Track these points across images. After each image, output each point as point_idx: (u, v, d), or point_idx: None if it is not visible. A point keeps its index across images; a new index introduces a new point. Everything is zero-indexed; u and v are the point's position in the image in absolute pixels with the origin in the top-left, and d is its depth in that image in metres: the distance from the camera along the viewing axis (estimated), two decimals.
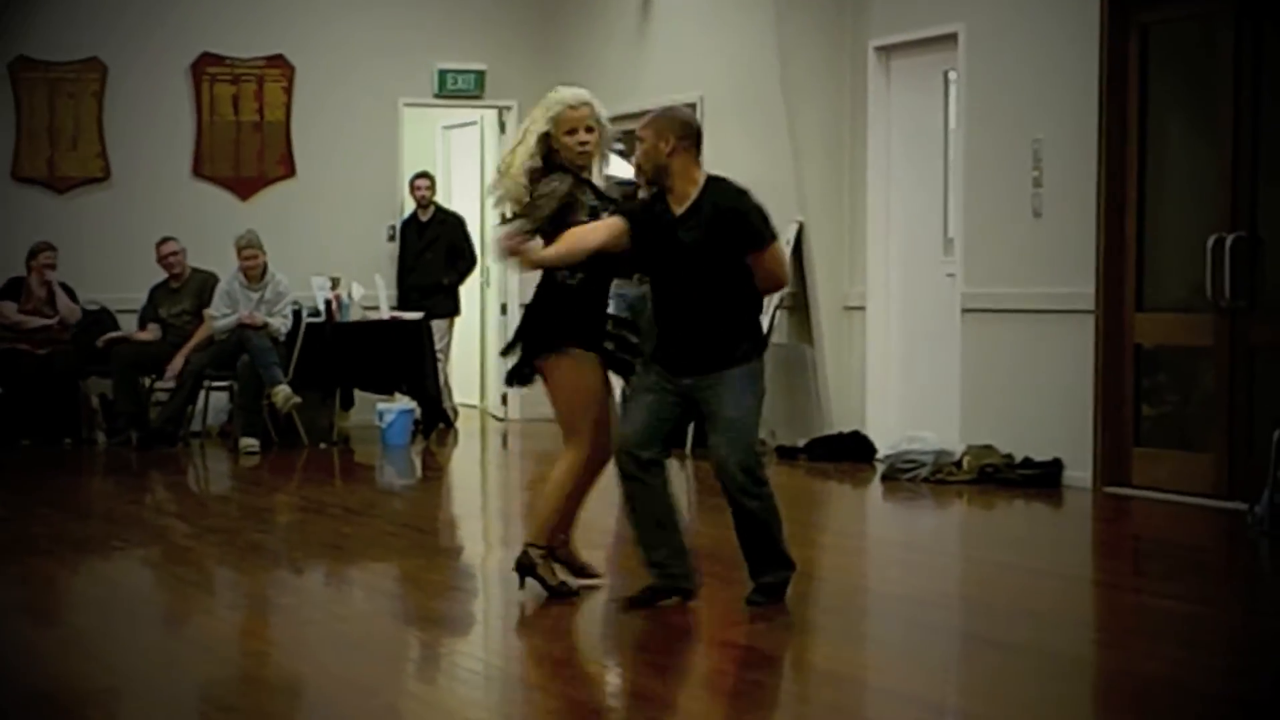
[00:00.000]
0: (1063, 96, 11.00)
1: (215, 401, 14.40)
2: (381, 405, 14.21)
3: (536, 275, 7.60)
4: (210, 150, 15.24)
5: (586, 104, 7.50)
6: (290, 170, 15.45)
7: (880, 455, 12.10)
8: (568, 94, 7.51)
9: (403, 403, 14.35)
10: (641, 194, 7.69)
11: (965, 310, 11.77)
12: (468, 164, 17.11)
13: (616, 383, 7.70)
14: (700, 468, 11.92)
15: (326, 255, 14.95)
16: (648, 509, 7.20)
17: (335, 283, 14.43)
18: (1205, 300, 10.19)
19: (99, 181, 14.95)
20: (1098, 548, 9.60)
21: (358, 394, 14.70)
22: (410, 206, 15.58)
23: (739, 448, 7.11)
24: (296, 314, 14.03)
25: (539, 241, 7.37)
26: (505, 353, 7.67)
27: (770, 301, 12.89)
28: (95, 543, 9.54)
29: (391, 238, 15.60)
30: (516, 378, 7.59)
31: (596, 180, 7.59)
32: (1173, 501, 10.25)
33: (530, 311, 7.57)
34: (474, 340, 16.59)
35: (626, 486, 7.22)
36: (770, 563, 7.31)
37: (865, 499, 11.35)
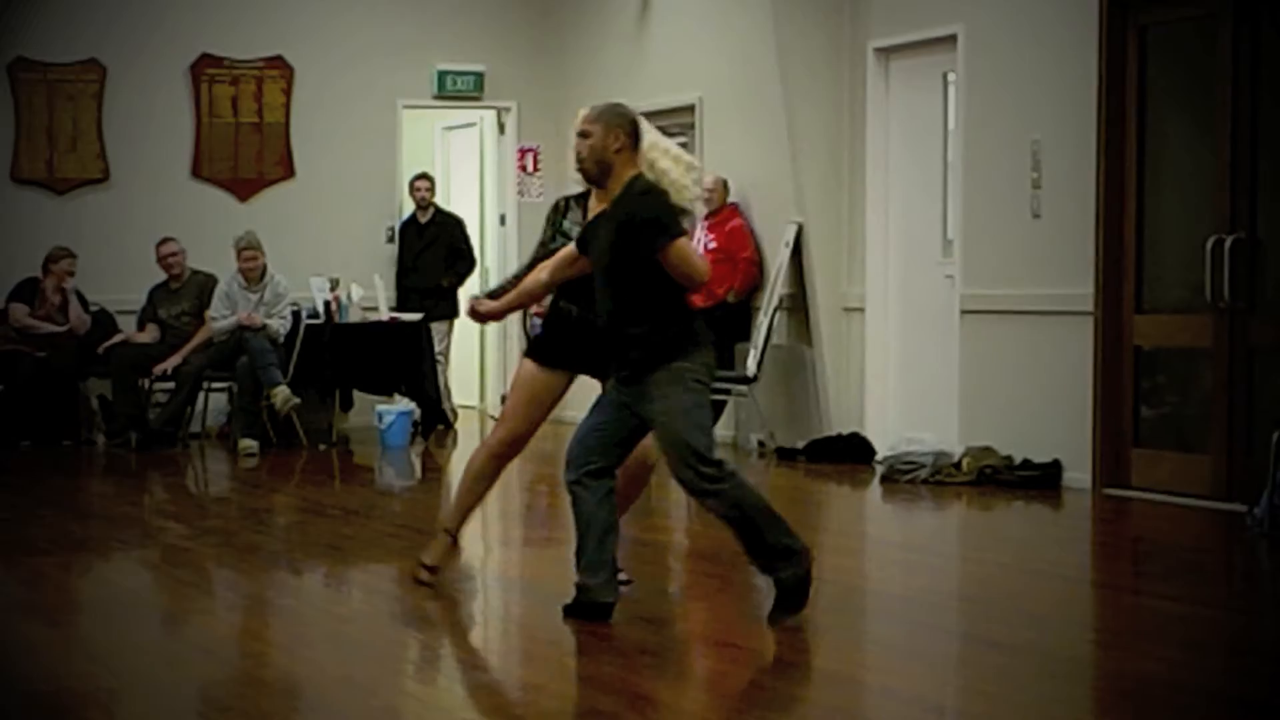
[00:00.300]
0: (1062, 98, 11.00)
1: (214, 403, 14.40)
2: (381, 406, 14.22)
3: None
4: (209, 151, 15.24)
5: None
6: (289, 171, 15.45)
7: (879, 457, 12.10)
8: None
9: (402, 404, 14.35)
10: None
11: (964, 311, 11.78)
12: (467, 165, 17.12)
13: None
14: None
15: (325, 256, 14.95)
16: (580, 518, 7.03)
17: (334, 284, 14.43)
18: (1204, 301, 10.20)
19: (98, 183, 14.95)
20: (1097, 549, 9.60)
21: (357, 395, 14.71)
22: (410, 208, 15.58)
23: (674, 457, 6.88)
24: (295, 315, 14.03)
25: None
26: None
27: (769, 302, 12.92)
28: (94, 543, 9.54)
29: (391, 239, 15.60)
30: None
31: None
32: (1172, 503, 10.25)
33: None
34: (473, 342, 16.59)
35: (569, 495, 7.10)
36: (767, 556, 6.94)
37: (864, 500, 11.35)
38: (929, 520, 10.46)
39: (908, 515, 10.64)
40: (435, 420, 14.83)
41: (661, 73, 14.49)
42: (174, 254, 14.23)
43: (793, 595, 6.94)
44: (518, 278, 7.74)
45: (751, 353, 12.99)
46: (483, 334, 16.61)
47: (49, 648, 6.90)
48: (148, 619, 7.70)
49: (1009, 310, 11.40)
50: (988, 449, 11.28)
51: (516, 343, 15.59)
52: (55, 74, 14.79)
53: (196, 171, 15.23)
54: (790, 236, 12.93)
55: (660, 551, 9.25)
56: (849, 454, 12.44)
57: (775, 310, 12.99)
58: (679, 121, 14.45)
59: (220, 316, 13.83)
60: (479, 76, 15.91)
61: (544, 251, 7.64)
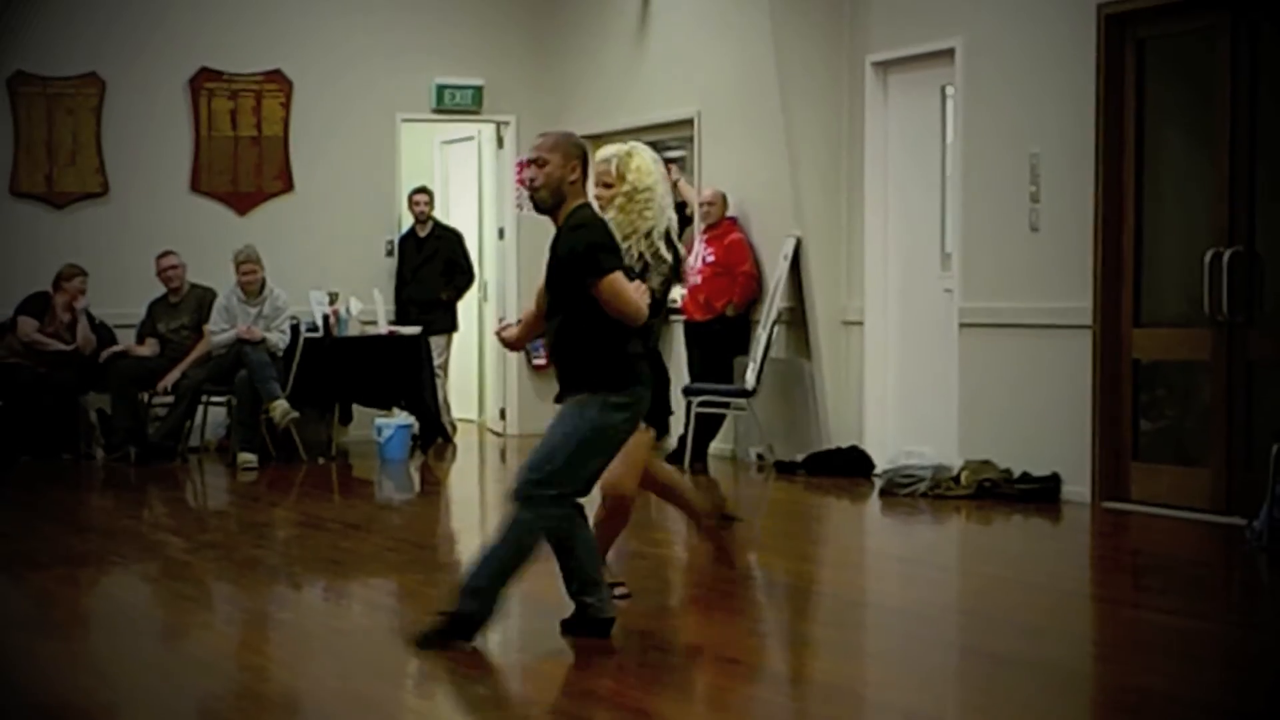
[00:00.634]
0: (1060, 111, 11.02)
1: (213, 416, 14.39)
2: (380, 420, 14.21)
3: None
4: (208, 165, 15.25)
5: (603, 160, 7.66)
6: (288, 185, 15.46)
7: (878, 470, 12.11)
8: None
9: (401, 417, 14.35)
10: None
11: (963, 325, 11.78)
12: (465, 179, 17.13)
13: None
14: (697, 482, 11.94)
15: (324, 270, 14.95)
16: (558, 541, 7.10)
17: (333, 298, 14.43)
18: (1203, 315, 10.20)
19: (97, 196, 14.95)
20: (1096, 562, 9.60)
21: (356, 409, 14.71)
22: (408, 221, 15.59)
23: (520, 471, 6.99)
24: (294, 329, 14.03)
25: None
26: None
27: (768, 316, 12.92)
28: (93, 558, 9.54)
29: (390, 253, 15.60)
30: None
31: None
32: (1171, 516, 10.25)
33: None
34: (472, 355, 16.60)
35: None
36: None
37: (863, 514, 11.35)
38: (928, 533, 10.45)
39: (907, 528, 10.64)
40: (434, 434, 14.83)
41: (660, 87, 14.50)
42: (173, 267, 14.24)
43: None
44: None
45: (750, 366, 12.99)
46: (481, 348, 16.62)
47: (48, 661, 6.90)
48: (147, 633, 7.70)
49: (1008, 323, 11.40)
50: (987, 462, 11.28)
51: (516, 358, 15.61)
52: (55, 87, 14.80)
53: (195, 185, 15.23)
54: (789, 250, 12.94)
55: (660, 565, 9.25)
56: (848, 467, 12.44)
57: (774, 324, 12.99)
58: (678, 135, 14.48)
59: (219, 330, 13.83)
60: (478, 90, 15.92)
61: None
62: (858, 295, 12.83)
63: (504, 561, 6.95)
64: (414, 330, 14.70)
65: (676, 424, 12.04)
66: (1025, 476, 11.09)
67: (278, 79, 15.38)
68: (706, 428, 13.25)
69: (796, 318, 13.13)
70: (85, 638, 7.56)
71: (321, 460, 13.82)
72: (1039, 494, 10.92)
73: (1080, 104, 10.82)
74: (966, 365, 11.75)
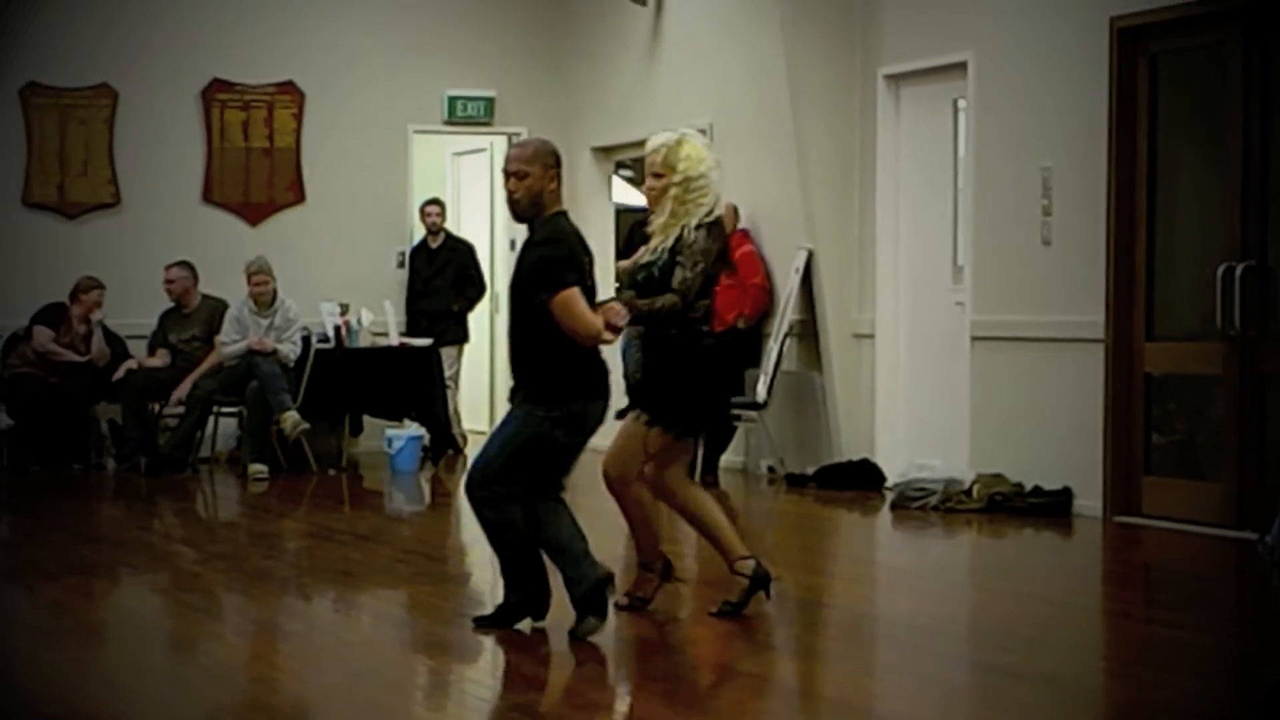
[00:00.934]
0: (1072, 125, 11.00)
1: (224, 427, 14.39)
2: (390, 431, 14.21)
3: None
4: (220, 176, 15.26)
5: (653, 150, 7.61)
6: (300, 196, 15.47)
7: (889, 483, 12.09)
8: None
9: (411, 429, 14.35)
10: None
11: (975, 338, 11.77)
12: (477, 191, 17.13)
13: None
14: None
15: (336, 281, 14.96)
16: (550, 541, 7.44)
17: (344, 309, 14.44)
18: (1215, 329, 10.18)
19: (109, 207, 14.97)
20: (1107, 576, 9.59)
21: (366, 420, 14.71)
22: (420, 233, 15.59)
23: (472, 470, 7.34)
24: (306, 340, 14.04)
25: None
26: None
27: (780, 329, 12.92)
28: (104, 568, 9.54)
29: (401, 264, 15.62)
30: None
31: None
32: (1182, 530, 10.23)
33: None
34: (483, 367, 16.60)
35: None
36: (512, 579, 7.36)
37: (874, 527, 11.34)
38: (939, 547, 10.44)
39: (918, 542, 10.62)
40: (445, 445, 14.82)
41: (672, 98, 14.49)
42: (171, 280, 14.22)
43: (516, 613, 7.34)
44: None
45: (762, 379, 12.98)
46: (493, 359, 16.61)
47: (59, 671, 6.90)
48: (157, 643, 7.71)
49: (1020, 337, 11.38)
50: (998, 476, 11.26)
51: None
52: (67, 98, 14.82)
53: (207, 196, 15.25)
54: (800, 263, 12.93)
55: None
56: (859, 480, 12.42)
57: (785, 336, 12.98)
58: None
59: (231, 341, 13.84)
60: (489, 102, 15.93)
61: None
62: (869, 308, 12.82)
63: (507, 559, 7.31)
64: (425, 342, 14.71)
65: None
66: (1037, 490, 11.06)
67: (290, 90, 15.40)
68: (718, 440, 13.23)
69: (808, 330, 13.12)
70: (95, 648, 7.56)
71: (332, 471, 13.82)
72: (1050, 508, 10.90)
73: (1092, 117, 10.81)
74: (978, 378, 11.74)
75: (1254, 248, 10.07)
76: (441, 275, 15.35)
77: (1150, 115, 10.68)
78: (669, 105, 14.50)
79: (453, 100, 15.82)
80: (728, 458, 13.51)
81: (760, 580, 7.55)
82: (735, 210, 13.41)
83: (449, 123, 15.96)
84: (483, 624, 7.42)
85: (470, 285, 15.46)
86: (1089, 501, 10.82)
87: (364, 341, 14.52)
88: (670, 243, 7.48)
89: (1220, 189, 10.29)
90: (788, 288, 13.05)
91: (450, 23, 15.81)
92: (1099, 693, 6.63)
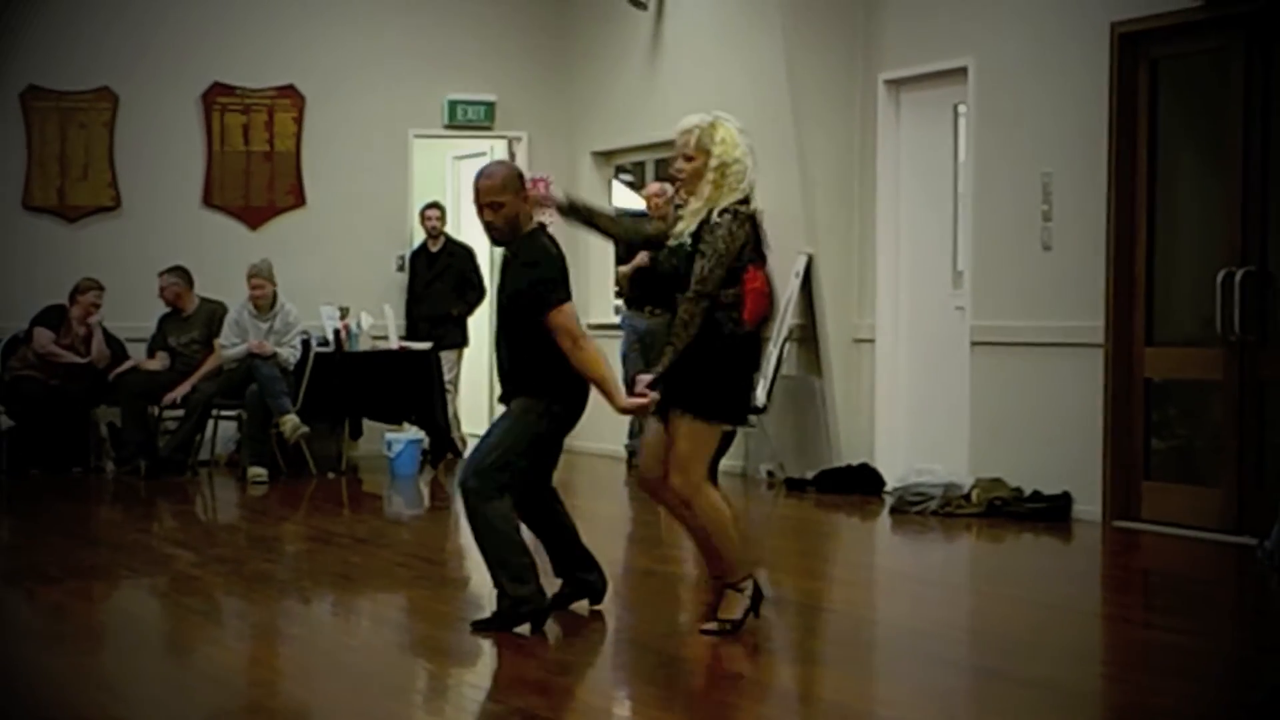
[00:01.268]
0: (1073, 130, 11.01)
1: (223, 430, 14.39)
2: (390, 435, 14.21)
3: None
4: (220, 180, 15.27)
5: (685, 131, 7.46)
6: (300, 200, 15.48)
7: (889, 488, 12.09)
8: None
9: (411, 433, 14.35)
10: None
11: (974, 343, 11.77)
12: None
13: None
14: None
15: (336, 285, 14.96)
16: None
17: (344, 312, 14.44)
18: (1215, 334, 10.19)
19: (109, 210, 14.97)
20: (1106, 581, 9.59)
21: (366, 424, 14.71)
22: (420, 237, 15.60)
23: (467, 464, 7.53)
24: (305, 343, 14.04)
25: None
26: None
27: (779, 333, 12.91)
28: (103, 571, 9.54)
29: (401, 268, 15.62)
30: None
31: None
32: (1182, 535, 10.23)
33: None
34: (483, 370, 16.59)
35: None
36: (497, 572, 7.49)
37: (874, 531, 11.33)
38: (938, 552, 10.44)
39: (917, 547, 10.62)
40: (444, 449, 14.82)
41: (672, 103, 14.47)
42: (163, 287, 14.20)
43: (497, 618, 7.44)
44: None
45: (761, 383, 12.97)
46: (492, 363, 16.58)
47: (58, 675, 6.90)
48: (157, 647, 7.71)
49: (1019, 342, 11.39)
50: (998, 481, 11.27)
51: None
52: (67, 102, 14.82)
53: (208, 200, 15.25)
54: (800, 267, 12.93)
55: (669, 582, 9.25)
56: (858, 485, 12.43)
57: (785, 341, 12.98)
58: None
59: (230, 344, 13.84)
60: (490, 106, 15.94)
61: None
62: (869, 313, 12.83)
63: (495, 552, 7.45)
64: (425, 345, 14.71)
65: None
66: (1036, 495, 11.07)
67: (290, 94, 15.40)
68: (717, 445, 13.20)
69: (808, 335, 13.12)
70: (95, 651, 7.56)
71: (331, 475, 13.82)
72: (1050, 513, 10.90)
73: (1093, 123, 10.81)
74: (978, 383, 11.74)
75: (1254, 253, 10.08)
76: (441, 279, 15.35)
77: (1151, 121, 10.68)
78: (670, 109, 14.46)
79: (453, 104, 15.82)
80: (727, 462, 13.44)
81: (758, 600, 7.45)
82: None
83: (449, 127, 15.97)
84: (480, 628, 7.42)
85: (470, 289, 15.46)
86: (1088, 506, 10.83)
87: (364, 345, 14.53)
88: (694, 227, 7.30)
89: (1220, 194, 10.29)
90: (788, 292, 13.04)
91: (451, 27, 15.81)
92: (1098, 697, 6.63)
